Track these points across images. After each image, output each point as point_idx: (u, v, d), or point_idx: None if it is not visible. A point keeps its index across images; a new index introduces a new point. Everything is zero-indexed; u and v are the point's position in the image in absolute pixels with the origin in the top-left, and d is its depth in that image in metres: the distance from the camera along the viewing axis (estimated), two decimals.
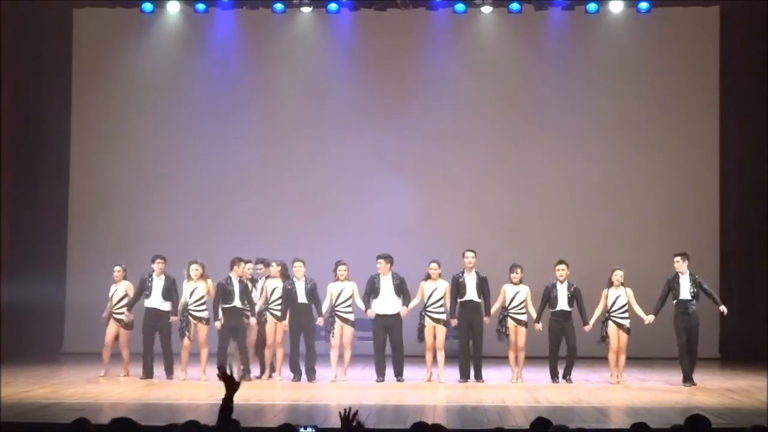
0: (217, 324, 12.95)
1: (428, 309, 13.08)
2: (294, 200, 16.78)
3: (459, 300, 13.13)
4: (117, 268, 13.35)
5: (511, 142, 16.89)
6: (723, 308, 12.99)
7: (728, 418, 9.67)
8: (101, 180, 16.90)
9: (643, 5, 16.27)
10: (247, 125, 16.96)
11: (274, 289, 13.09)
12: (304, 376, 12.97)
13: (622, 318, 13.00)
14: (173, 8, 16.56)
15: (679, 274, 12.94)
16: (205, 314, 13.08)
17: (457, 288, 13.08)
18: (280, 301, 13.05)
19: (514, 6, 16.34)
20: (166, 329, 13.06)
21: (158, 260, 13.19)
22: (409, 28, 16.71)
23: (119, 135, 16.93)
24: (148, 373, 12.99)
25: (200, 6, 16.53)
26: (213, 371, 12.75)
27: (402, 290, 13.13)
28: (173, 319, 13.04)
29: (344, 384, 12.72)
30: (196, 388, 12.39)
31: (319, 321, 13.03)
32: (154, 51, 17.02)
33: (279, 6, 16.38)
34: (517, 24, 16.66)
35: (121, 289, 13.25)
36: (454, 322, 13.15)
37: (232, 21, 17.03)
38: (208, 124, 16.93)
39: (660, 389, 12.43)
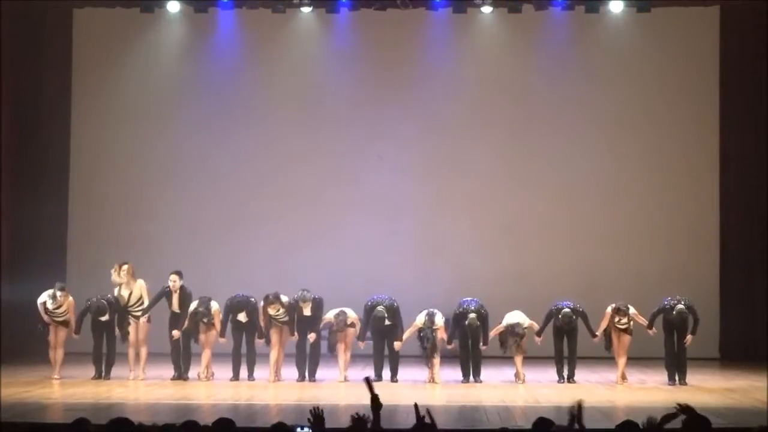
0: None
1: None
2: (294, 200, 16.75)
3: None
4: (61, 293, 13.08)
5: (511, 142, 16.87)
6: (689, 338, 12.92)
7: (728, 418, 9.66)
8: (101, 180, 16.88)
9: (643, 5, 16.28)
10: (247, 124, 16.95)
11: (278, 310, 12.90)
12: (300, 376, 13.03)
13: (623, 325, 12.97)
14: (173, 8, 16.54)
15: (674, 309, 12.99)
16: (142, 314, 13.20)
17: (460, 318, 13.02)
18: (283, 315, 12.97)
19: (515, 6, 16.35)
20: (112, 331, 13.17)
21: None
22: (409, 28, 16.70)
23: (119, 135, 16.91)
24: (99, 373, 13.06)
25: (200, 6, 16.53)
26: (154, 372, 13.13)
27: (395, 322, 13.06)
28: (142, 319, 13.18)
29: (344, 384, 12.73)
30: (195, 388, 12.40)
31: (312, 337, 12.97)
32: (154, 51, 17.02)
33: (279, 6, 16.38)
34: (517, 24, 16.65)
35: (64, 306, 13.08)
36: (452, 346, 13.14)
37: (232, 21, 17.02)
38: (209, 124, 16.92)
39: (660, 389, 12.44)
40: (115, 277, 13.23)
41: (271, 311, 12.84)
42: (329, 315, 13.00)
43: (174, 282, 13.12)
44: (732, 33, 16.66)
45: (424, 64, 16.90)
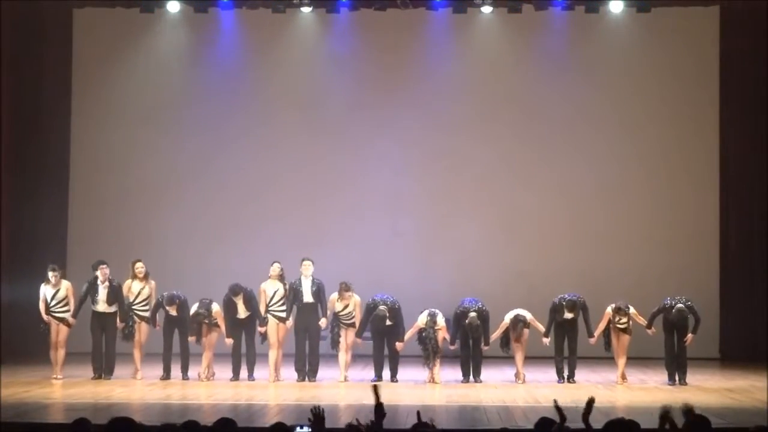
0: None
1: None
2: (295, 202, 16.73)
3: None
4: (53, 273, 13.17)
5: (511, 142, 16.86)
6: (689, 337, 12.94)
7: (728, 418, 9.67)
8: (101, 180, 16.87)
9: (643, 5, 16.28)
10: (246, 123, 16.93)
11: (275, 291, 13.06)
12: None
13: (623, 325, 12.97)
14: (173, 8, 16.54)
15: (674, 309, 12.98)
16: (148, 314, 13.24)
17: (460, 318, 13.03)
18: (281, 302, 13.04)
19: (515, 6, 16.34)
20: (112, 330, 13.15)
21: (102, 266, 13.17)
22: (409, 28, 16.70)
23: (119, 135, 16.90)
24: (98, 373, 13.05)
25: (200, 6, 16.52)
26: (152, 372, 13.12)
27: (396, 322, 13.06)
28: (120, 324, 13.14)
29: (345, 384, 12.74)
30: (196, 387, 12.41)
31: (323, 322, 13.01)
32: (154, 51, 17.01)
33: (279, 6, 16.38)
34: (517, 24, 16.65)
35: (62, 290, 13.14)
36: (454, 346, 13.15)
37: (232, 21, 17.02)
38: (209, 124, 16.90)
39: (660, 389, 12.44)
40: (131, 274, 13.28)
41: (269, 288, 12.86)
42: (334, 296, 13.01)
43: (173, 308, 13.12)
44: (732, 33, 16.65)
45: (425, 64, 16.89)
